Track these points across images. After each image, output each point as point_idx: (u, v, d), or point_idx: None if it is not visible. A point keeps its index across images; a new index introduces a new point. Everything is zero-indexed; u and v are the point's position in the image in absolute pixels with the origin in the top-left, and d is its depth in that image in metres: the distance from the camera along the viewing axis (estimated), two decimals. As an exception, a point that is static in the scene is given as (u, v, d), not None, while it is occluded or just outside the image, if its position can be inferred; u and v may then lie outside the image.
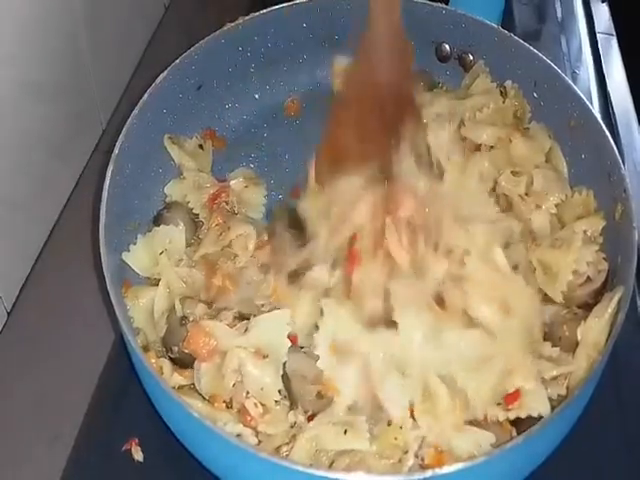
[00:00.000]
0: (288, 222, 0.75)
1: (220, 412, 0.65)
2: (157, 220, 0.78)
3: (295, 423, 0.65)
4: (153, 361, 0.68)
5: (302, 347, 0.69)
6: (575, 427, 0.64)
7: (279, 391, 0.66)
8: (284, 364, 0.66)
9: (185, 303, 0.71)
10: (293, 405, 0.66)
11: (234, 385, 0.66)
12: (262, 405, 0.65)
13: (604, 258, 0.72)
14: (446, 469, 0.55)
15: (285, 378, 0.66)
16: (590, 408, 0.64)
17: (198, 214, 0.79)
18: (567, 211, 0.77)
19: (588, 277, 0.71)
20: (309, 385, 0.66)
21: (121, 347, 0.72)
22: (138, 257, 0.74)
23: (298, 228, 0.74)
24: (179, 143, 0.82)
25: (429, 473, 0.55)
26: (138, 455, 0.69)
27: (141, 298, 0.72)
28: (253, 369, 0.66)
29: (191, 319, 0.70)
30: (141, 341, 0.70)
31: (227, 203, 0.80)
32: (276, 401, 0.66)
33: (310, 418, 0.65)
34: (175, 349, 0.69)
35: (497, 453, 0.57)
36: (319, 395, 0.66)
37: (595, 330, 0.66)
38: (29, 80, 0.77)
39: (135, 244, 0.75)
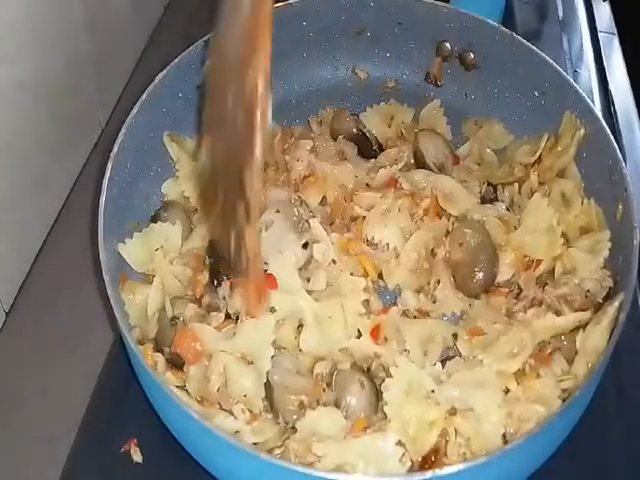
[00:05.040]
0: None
1: (215, 412, 0.64)
2: (155, 219, 0.78)
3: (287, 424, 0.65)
4: (149, 353, 0.68)
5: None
6: (576, 428, 0.64)
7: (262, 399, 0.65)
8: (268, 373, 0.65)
9: (175, 303, 0.71)
10: (274, 415, 0.65)
11: (219, 390, 0.65)
12: (250, 412, 0.65)
13: (609, 276, 0.70)
14: (446, 470, 0.55)
15: (268, 387, 0.65)
16: (591, 409, 0.64)
17: (195, 210, 0.79)
18: (570, 223, 0.76)
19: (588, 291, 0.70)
20: (291, 395, 0.65)
21: (120, 348, 0.72)
22: (133, 251, 0.73)
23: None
24: (178, 141, 0.82)
25: (429, 474, 0.55)
26: (137, 456, 0.69)
27: (137, 295, 0.71)
28: (237, 375, 0.65)
29: (181, 319, 0.69)
30: (137, 337, 0.70)
31: None
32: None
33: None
34: (167, 350, 0.68)
35: (498, 454, 0.57)
36: (301, 405, 0.65)
37: (594, 336, 0.65)
38: (28, 80, 0.76)
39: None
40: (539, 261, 0.74)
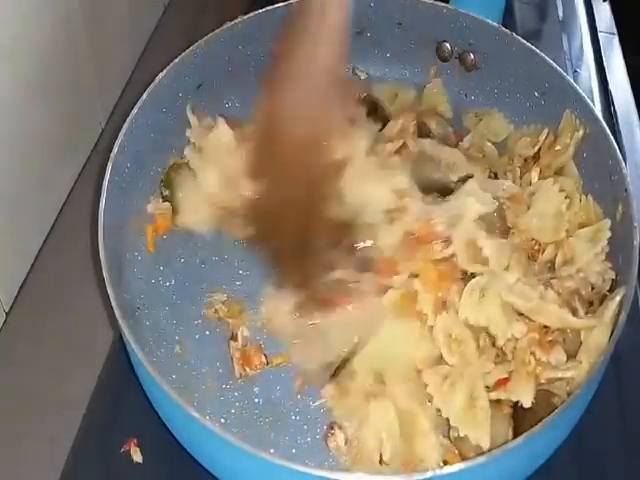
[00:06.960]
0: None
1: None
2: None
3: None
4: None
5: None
6: (576, 427, 0.64)
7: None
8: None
9: None
10: None
11: None
12: None
13: (610, 267, 0.70)
14: (446, 469, 0.55)
15: None
16: (591, 408, 0.64)
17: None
18: (570, 220, 0.75)
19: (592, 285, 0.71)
20: None
21: (120, 347, 0.72)
22: None
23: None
24: (199, 115, 0.82)
25: (429, 473, 0.55)
26: (137, 456, 0.69)
27: None
28: None
29: None
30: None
31: None
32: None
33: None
34: None
35: (498, 453, 0.56)
36: None
37: (596, 332, 0.66)
38: (28, 80, 0.76)
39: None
40: (544, 246, 0.74)
